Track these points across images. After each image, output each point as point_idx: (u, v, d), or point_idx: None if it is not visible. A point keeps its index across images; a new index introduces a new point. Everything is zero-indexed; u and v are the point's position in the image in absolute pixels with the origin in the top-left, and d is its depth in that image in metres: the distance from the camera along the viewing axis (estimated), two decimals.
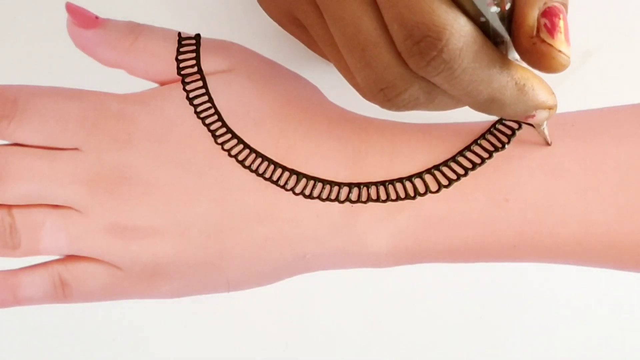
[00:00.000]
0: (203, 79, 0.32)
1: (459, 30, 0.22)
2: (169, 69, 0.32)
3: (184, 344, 0.44)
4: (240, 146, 0.32)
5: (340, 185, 0.32)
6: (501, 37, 0.23)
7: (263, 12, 0.34)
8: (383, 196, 0.32)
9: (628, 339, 0.44)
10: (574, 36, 0.38)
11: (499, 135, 0.32)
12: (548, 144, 0.32)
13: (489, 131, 0.33)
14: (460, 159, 0.32)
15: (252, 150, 0.32)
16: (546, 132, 0.31)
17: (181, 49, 0.33)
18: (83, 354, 0.44)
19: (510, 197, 0.31)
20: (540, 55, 0.22)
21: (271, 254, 0.32)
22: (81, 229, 0.32)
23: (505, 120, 0.33)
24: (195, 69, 0.32)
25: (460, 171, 0.32)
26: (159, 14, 0.41)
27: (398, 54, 0.23)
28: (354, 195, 0.32)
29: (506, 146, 0.32)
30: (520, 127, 0.32)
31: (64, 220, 0.32)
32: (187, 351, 0.44)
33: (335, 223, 0.32)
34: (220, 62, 0.33)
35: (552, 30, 0.22)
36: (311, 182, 0.32)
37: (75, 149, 0.32)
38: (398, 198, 0.32)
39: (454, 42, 0.22)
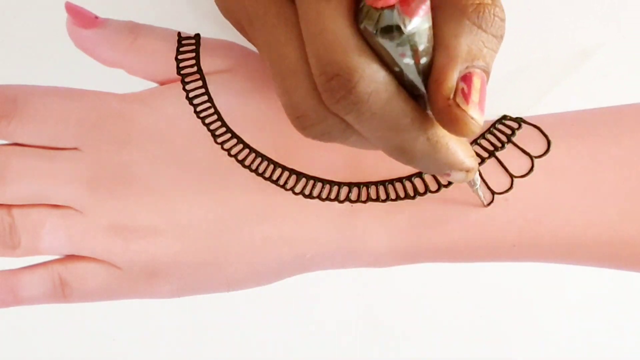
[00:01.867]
0: (203, 78, 0.32)
1: (370, 75, 0.21)
2: (169, 69, 0.32)
3: (183, 344, 0.44)
4: (240, 146, 0.32)
5: (340, 185, 0.32)
6: (418, 90, 0.23)
7: None
8: (383, 196, 0.32)
9: (628, 339, 0.44)
10: (574, 34, 0.38)
11: (498, 135, 0.32)
12: (483, 205, 0.31)
13: (488, 131, 0.33)
14: None
15: (251, 150, 0.32)
16: (480, 193, 0.31)
17: (181, 49, 0.33)
18: (83, 354, 0.44)
19: (510, 197, 0.31)
20: (452, 118, 0.22)
21: (271, 253, 0.32)
22: (81, 228, 0.32)
23: (506, 120, 0.33)
24: (195, 69, 0.32)
25: None
26: (159, 14, 0.41)
27: (315, 87, 0.23)
28: (353, 195, 0.32)
29: (506, 146, 0.32)
30: (520, 127, 0.32)
31: (64, 220, 0.32)
32: (187, 351, 0.44)
33: (335, 223, 0.32)
34: (220, 62, 0.33)
35: (468, 96, 0.22)
36: (311, 182, 0.32)
37: (75, 148, 0.32)
38: (398, 198, 0.32)
39: (363, 86, 0.21)
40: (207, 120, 0.32)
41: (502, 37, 0.23)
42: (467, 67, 0.22)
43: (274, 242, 0.32)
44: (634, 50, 0.38)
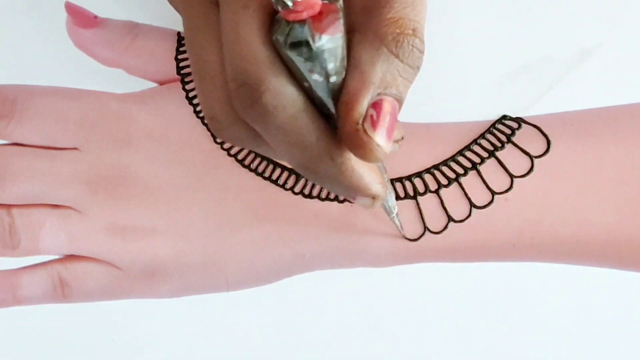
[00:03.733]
0: None
1: (277, 88, 0.21)
2: (168, 69, 0.32)
3: (183, 344, 0.44)
4: None
5: None
6: (328, 109, 0.22)
7: None
8: None
9: (628, 339, 0.44)
10: (573, 34, 0.38)
11: (498, 134, 0.32)
12: (402, 236, 0.31)
13: (488, 131, 0.33)
14: (460, 159, 0.32)
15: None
16: (397, 222, 0.30)
17: (181, 49, 0.33)
18: (83, 353, 0.44)
19: (510, 197, 0.31)
20: (358, 143, 0.21)
21: (270, 253, 0.32)
22: (81, 228, 0.32)
23: (506, 119, 0.33)
24: None
25: (460, 171, 0.32)
26: (159, 14, 0.41)
27: (229, 92, 0.23)
28: None
29: (506, 146, 0.32)
30: (520, 127, 0.32)
31: (64, 220, 0.32)
32: (187, 351, 0.44)
33: (335, 222, 0.32)
34: None
35: (376, 123, 0.21)
36: (311, 182, 0.32)
37: (75, 148, 0.32)
38: (398, 198, 0.32)
39: (268, 98, 0.21)
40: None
41: (418, 68, 0.22)
42: (379, 94, 0.21)
43: (274, 242, 0.32)
44: (634, 50, 0.38)
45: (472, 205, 0.32)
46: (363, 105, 0.21)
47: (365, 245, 0.32)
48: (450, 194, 0.32)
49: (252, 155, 0.32)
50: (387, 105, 0.22)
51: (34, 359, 0.44)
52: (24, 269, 0.33)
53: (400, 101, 0.22)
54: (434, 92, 0.38)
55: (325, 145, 0.22)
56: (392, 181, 0.32)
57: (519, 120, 0.33)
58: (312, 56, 0.21)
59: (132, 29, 0.33)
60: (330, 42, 0.21)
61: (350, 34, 0.22)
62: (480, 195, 0.32)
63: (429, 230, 0.32)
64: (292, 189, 0.32)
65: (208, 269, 0.32)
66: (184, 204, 0.32)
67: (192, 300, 0.35)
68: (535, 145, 0.32)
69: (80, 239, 0.32)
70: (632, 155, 0.31)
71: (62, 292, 0.33)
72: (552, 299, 0.43)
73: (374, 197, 0.24)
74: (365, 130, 0.21)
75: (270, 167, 0.32)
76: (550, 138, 0.32)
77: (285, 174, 0.32)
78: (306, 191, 0.32)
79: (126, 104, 0.33)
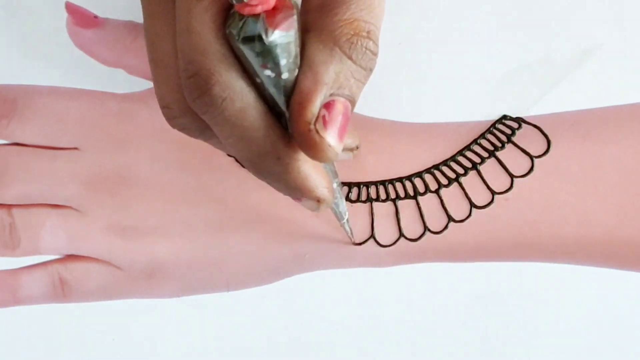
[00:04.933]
0: None
1: (227, 81, 0.21)
2: None
3: (183, 344, 0.44)
4: None
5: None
6: (279, 107, 0.22)
7: None
8: (383, 196, 0.32)
9: (628, 339, 0.44)
10: (573, 34, 0.37)
11: (499, 134, 0.32)
12: (352, 242, 0.31)
13: (489, 130, 0.33)
14: (461, 159, 0.32)
15: None
16: (347, 228, 0.30)
17: None
18: (83, 353, 0.44)
19: (510, 197, 0.31)
20: (310, 143, 0.21)
21: (270, 253, 0.32)
22: (81, 228, 0.32)
23: (506, 119, 0.33)
24: None
25: (460, 171, 0.32)
26: None
27: (181, 82, 0.23)
28: (353, 195, 0.32)
29: (506, 146, 0.32)
30: (520, 126, 0.32)
31: (64, 220, 0.32)
32: (187, 351, 0.44)
33: (335, 223, 0.32)
34: None
35: (328, 123, 0.21)
36: None
37: (75, 148, 0.32)
38: (398, 198, 0.32)
39: (217, 90, 0.21)
40: None
41: (371, 70, 0.22)
42: (331, 95, 0.21)
43: (274, 241, 0.32)
44: (634, 50, 0.38)
45: (472, 205, 0.32)
46: (316, 105, 0.21)
47: (366, 246, 0.32)
48: (451, 194, 0.32)
49: None
50: (340, 106, 0.22)
51: (34, 359, 0.44)
52: (24, 269, 0.33)
53: (352, 102, 0.22)
54: (434, 92, 0.38)
55: (272, 143, 0.22)
56: (392, 181, 0.32)
57: (519, 120, 0.33)
58: (265, 51, 0.21)
59: (133, 29, 0.33)
60: (283, 37, 0.21)
61: (306, 33, 0.22)
62: (480, 195, 0.32)
63: (429, 230, 0.32)
64: None
65: (208, 269, 0.32)
66: (184, 204, 0.32)
67: (192, 300, 0.35)
68: (535, 145, 0.32)
69: (80, 239, 0.32)
70: (633, 156, 0.31)
71: (62, 292, 0.33)
72: (552, 299, 0.43)
73: (318, 201, 0.24)
74: (317, 131, 0.21)
75: None
76: (550, 138, 0.32)
77: None
78: None
79: (126, 103, 0.33)
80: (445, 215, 0.32)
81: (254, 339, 0.44)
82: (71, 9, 0.32)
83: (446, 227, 0.32)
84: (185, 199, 0.32)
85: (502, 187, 0.31)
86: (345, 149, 0.25)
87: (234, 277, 0.33)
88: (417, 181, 0.32)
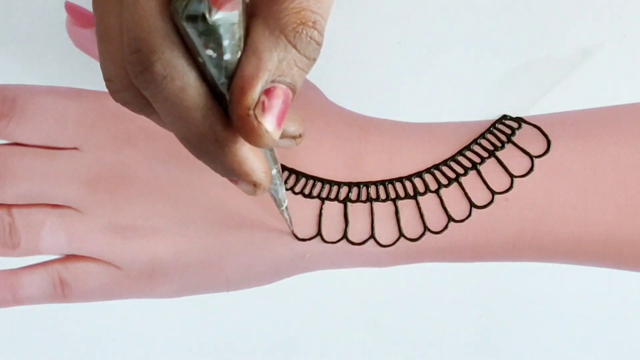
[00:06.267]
0: None
1: (169, 59, 0.21)
2: None
3: (184, 344, 0.43)
4: None
5: (339, 184, 0.32)
6: (220, 89, 0.23)
7: None
8: (383, 196, 0.32)
9: (628, 339, 0.44)
10: (574, 34, 0.37)
11: (499, 134, 0.32)
12: (291, 232, 0.31)
13: (489, 130, 0.33)
14: (461, 159, 0.32)
15: None
16: (286, 216, 0.30)
17: None
18: (83, 354, 0.44)
19: (510, 197, 0.31)
20: (248, 128, 0.22)
21: (270, 253, 0.32)
22: (81, 228, 0.32)
23: (506, 119, 0.33)
24: None
25: (460, 170, 0.32)
26: None
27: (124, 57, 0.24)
28: (353, 195, 0.32)
29: (506, 145, 0.32)
30: (520, 126, 0.32)
31: (64, 220, 0.32)
32: (187, 351, 0.44)
33: (335, 222, 0.32)
34: None
35: (267, 110, 0.21)
36: (310, 182, 0.32)
37: (75, 148, 0.32)
38: (398, 198, 0.32)
39: (158, 67, 0.21)
40: None
41: (314, 60, 0.22)
42: (273, 81, 0.22)
43: (274, 241, 0.32)
44: (634, 50, 0.38)
45: (472, 205, 0.32)
46: (256, 90, 0.21)
47: (366, 245, 0.32)
48: (451, 193, 0.32)
49: None
50: (280, 93, 0.22)
51: (34, 359, 0.44)
52: (24, 269, 0.33)
53: (294, 90, 0.22)
54: (434, 92, 0.38)
55: (210, 124, 0.22)
56: (392, 181, 0.32)
57: (519, 120, 0.33)
58: (207, 30, 0.21)
59: None
60: (226, 18, 0.21)
61: (252, 17, 0.22)
62: (480, 195, 0.32)
63: (429, 230, 0.32)
64: (292, 188, 0.32)
65: (208, 269, 0.32)
66: (184, 204, 0.32)
67: (192, 300, 0.35)
68: (535, 145, 0.32)
69: (80, 239, 0.32)
70: (633, 155, 0.31)
71: (62, 292, 0.33)
72: (552, 298, 0.43)
73: (255, 185, 0.24)
74: (255, 116, 0.21)
75: None
76: (550, 138, 0.32)
77: (285, 173, 0.32)
78: (306, 191, 0.32)
79: None
80: (445, 215, 0.32)
81: (254, 339, 0.44)
82: (71, 9, 0.32)
83: (446, 227, 0.32)
84: (185, 199, 0.32)
85: (502, 187, 0.31)
86: (287, 136, 0.25)
87: (233, 277, 0.33)
88: (417, 181, 0.32)
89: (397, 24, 0.37)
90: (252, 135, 0.22)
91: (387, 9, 0.37)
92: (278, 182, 0.28)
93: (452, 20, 0.38)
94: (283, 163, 0.32)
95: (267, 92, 0.22)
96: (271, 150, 0.26)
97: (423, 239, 0.32)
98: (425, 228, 0.32)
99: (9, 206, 0.32)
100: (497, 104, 0.37)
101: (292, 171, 0.32)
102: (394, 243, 0.32)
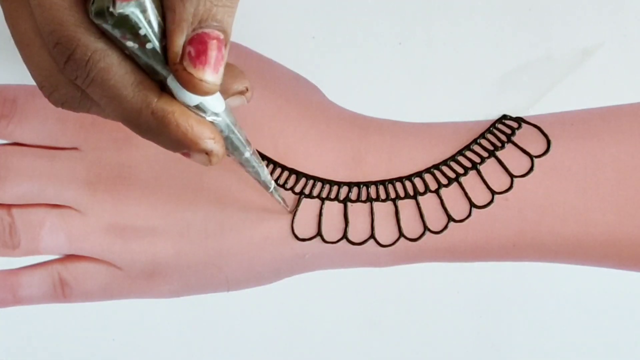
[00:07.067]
0: None
1: (88, 43, 0.22)
2: None
3: (184, 344, 0.43)
4: None
5: (339, 184, 0.32)
6: (151, 66, 0.23)
7: (264, 12, 0.34)
8: (383, 196, 0.32)
9: (628, 339, 0.44)
10: (574, 34, 0.37)
11: (498, 134, 0.32)
12: (286, 210, 0.31)
13: (489, 130, 0.33)
14: (460, 159, 0.32)
15: None
16: (277, 197, 0.30)
17: None
18: (83, 353, 0.44)
19: (510, 197, 0.31)
20: (182, 81, 0.22)
21: (270, 253, 0.32)
22: (81, 228, 0.32)
23: (506, 119, 0.33)
24: None
25: (460, 170, 0.32)
26: None
27: (48, 57, 0.24)
28: (353, 195, 0.32)
29: (506, 145, 0.32)
30: (520, 126, 0.33)
31: (64, 220, 0.32)
32: (187, 351, 0.44)
33: (335, 222, 0.32)
34: None
35: (195, 58, 0.21)
36: (311, 182, 0.32)
37: (75, 148, 0.32)
38: (398, 198, 0.32)
39: (79, 53, 0.22)
40: None
41: None
42: (194, 30, 0.22)
43: (274, 242, 0.32)
44: (634, 50, 0.38)
45: (472, 205, 0.32)
46: (177, 44, 0.21)
47: (366, 245, 0.32)
48: (451, 193, 0.32)
49: None
50: (206, 37, 0.22)
51: (34, 359, 0.44)
52: (24, 269, 0.33)
53: (223, 31, 0.22)
54: (434, 92, 0.38)
55: (143, 99, 0.23)
56: (392, 181, 0.32)
57: (519, 120, 0.33)
58: (118, 23, 0.21)
59: None
60: (131, 7, 0.21)
61: None
62: (480, 195, 0.32)
63: (429, 230, 0.32)
64: (292, 189, 0.32)
65: (208, 269, 0.32)
66: (184, 204, 0.32)
67: (192, 300, 0.35)
68: (535, 145, 0.32)
69: (80, 239, 0.32)
70: (633, 155, 0.31)
71: (62, 292, 0.33)
72: (552, 298, 0.43)
73: (207, 153, 0.24)
74: (184, 67, 0.21)
75: (271, 166, 0.32)
76: (550, 138, 0.32)
77: (286, 173, 0.32)
78: (306, 191, 0.32)
79: None
80: (445, 215, 0.32)
81: (254, 339, 0.44)
82: None
83: (446, 227, 0.32)
84: (185, 199, 0.32)
85: (502, 187, 0.32)
86: (234, 93, 0.25)
87: (234, 277, 0.33)
88: (417, 181, 0.32)
89: (397, 24, 0.37)
90: (190, 87, 0.22)
91: (387, 9, 0.37)
92: (255, 164, 0.28)
93: (452, 21, 0.38)
94: (283, 163, 0.32)
95: (191, 41, 0.22)
96: (239, 133, 0.26)
97: (423, 239, 0.32)
98: (425, 228, 0.32)
99: (9, 206, 0.32)
100: (497, 104, 0.37)
101: (292, 171, 0.32)
102: (394, 243, 0.32)
